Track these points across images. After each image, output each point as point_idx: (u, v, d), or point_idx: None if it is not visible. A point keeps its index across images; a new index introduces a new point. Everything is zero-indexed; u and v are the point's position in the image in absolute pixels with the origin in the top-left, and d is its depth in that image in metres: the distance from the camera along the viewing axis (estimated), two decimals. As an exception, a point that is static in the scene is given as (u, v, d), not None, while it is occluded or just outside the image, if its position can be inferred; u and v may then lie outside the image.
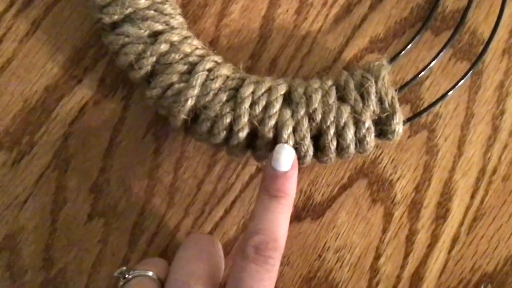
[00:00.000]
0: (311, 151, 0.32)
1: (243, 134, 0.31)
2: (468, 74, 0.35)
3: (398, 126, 0.32)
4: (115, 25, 0.33)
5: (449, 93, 0.34)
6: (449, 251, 0.34)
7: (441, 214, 0.34)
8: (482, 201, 0.34)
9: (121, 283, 0.30)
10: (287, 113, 0.31)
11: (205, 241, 0.31)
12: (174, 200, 0.35)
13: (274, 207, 0.29)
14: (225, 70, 0.32)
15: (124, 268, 0.31)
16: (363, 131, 0.32)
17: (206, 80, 0.32)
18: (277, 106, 0.32)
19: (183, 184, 0.35)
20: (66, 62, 0.36)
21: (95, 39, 0.36)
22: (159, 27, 0.33)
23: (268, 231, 0.29)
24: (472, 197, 0.35)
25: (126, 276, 0.30)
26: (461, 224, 0.34)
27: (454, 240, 0.34)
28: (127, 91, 0.36)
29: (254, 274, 0.28)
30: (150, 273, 0.30)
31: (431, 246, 0.34)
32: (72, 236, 0.34)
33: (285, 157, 0.30)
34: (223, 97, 0.32)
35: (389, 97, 0.32)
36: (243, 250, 0.28)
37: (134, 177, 0.35)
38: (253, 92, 0.32)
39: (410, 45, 0.35)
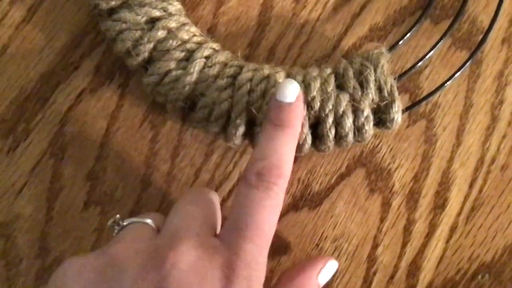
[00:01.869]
0: (309, 140, 0.32)
1: (240, 122, 0.31)
2: (468, 63, 0.35)
3: (397, 114, 0.32)
4: (112, 11, 0.33)
5: (448, 82, 0.34)
6: (447, 241, 0.34)
7: (439, 203, 0.34)
8: (480, 191, 0.34)
9: (116, 231, 0.29)
10: (286, 101, 0.31)
11: (202, 191, 0.31)
12: (171, 189, 0.35)
13: (278, 135, 0.29)
14: (223, 58, 0.32)
15: (118, 216, 0.30)
16: (362, 119, 0.31)
17: (203, 67, 0.32)
18: (275, 93, 0.31)
19: (180, 172, 0.35)
20: (62, 49, 0.36)
21: (92, 25, 0.36)
22: (156, 13, 0.32)
23: (271, 157, 0.28)
24: (471, 186, 0.34)
25: (121, 223, 0.29)
26: (459, 213, 0.34)
27: (452, 229, 0.34)
28: (124, 78, 0.35)
29: (256, 200, 0.27)
30: (148, 220, 0.29)
31: (429, 235, 0.34)
32: (68, 225, 0.34)
33: (291, 89, 0.29)
34: (221, 84, 0.32)
35: (388, 86, 0.31)
36: (246, 177, 0.28)
37: (131, 165, 0.35)
38: (251, 80, 0.32)
39: (409, 33, 0.35)
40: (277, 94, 0.29)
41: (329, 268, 0.32)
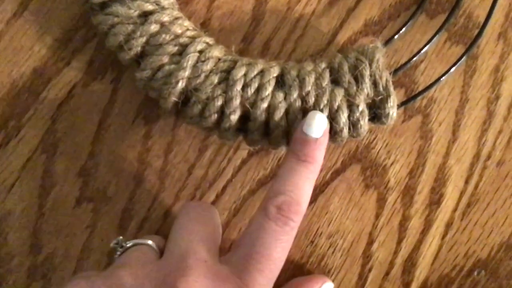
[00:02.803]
0: (304, 135, 0.31)
1: (234, 117, 0.31)
2: (463, 58, 0.34)
3: (392, 109, 0.31)
4: (104, 5, 0.32)
5: (444, 77, 0.34)
6: (443, 237, 0.34)
7: (435, 199, 0.34)
8: (476, 187, 0.34)
9: (119, 253, 0.29)
10: (280, 95, 0.31)
11: (202, 207, 0.31)
12: (165, 185, 0.34)
13: (301, 171, 0.29)
14: (217, 52, 0.32)
15: (121, 237, 0.30)
16: (357, 114, 0.31)
17: (197, 62, 0.31)
18: (269, 88, 0.31)
19: (173, 168, 0.34)
20: (54, 43, 0.35)
21: (84, 20, 0.35)
22: (149, 7, 0.32)
23: (292, 193, 0.28)
24: (466, 182, 0.34)
25: (124, 245, 0.29)
26: (455, 209, 0.34)
27: (448, 226, 0.34)
28: (116, 73, 0.35)
29: (272, 233, 0.27)
30: (150, 242, 0.29)
31: (424, 232, 0.34)
32: (60, 221, 0.34)
33: (318, 123, 0.29)
34: (215, 79, 0.31)
35: (384, 80, 0.31)
36: (265, 208, 0.28)
37: (124, 161, 0.34)
38: (245, 75, 0.31)
39: (404, 28, 0.35)
40: (304, 126, 0.29)
41: None
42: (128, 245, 0.29)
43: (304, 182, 0.29)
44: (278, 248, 0.27)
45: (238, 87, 0.31)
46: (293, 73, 0.31)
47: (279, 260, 0.28)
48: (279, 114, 0.31)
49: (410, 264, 0.34)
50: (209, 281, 0.26)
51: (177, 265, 0.26)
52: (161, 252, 0.29)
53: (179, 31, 0.32)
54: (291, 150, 0.30)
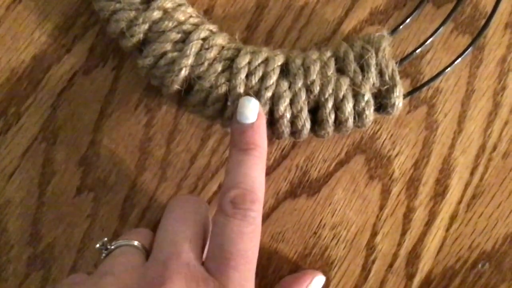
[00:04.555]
0: (308, 125, 0.31)
1: (238, 106, 0.30)
2: (470, 48, 0.34)
3: (398, 99, 0.31)
4: (106, -9, 0.32)
5: (450, 68, 0.33)
6: (447, 229, 0.33)
7: (440, 191, 0.34)
8: (481, 178, 0.34)
9: (104, 255, 0.29)
10: (284, 84, 0.30)
11: (190, 202, 0.30)
12: (167, 175, 0.34)
13: (246, 160, 0.28)
14: (221, 40, 0.31)
15: (106, 239, 0.29)
16: (362, 104, 0.31)
17: (200, 50, 0.31)
18: (274, 77, 0.30)
19: (175, 158, 0.34)
20: (54, 30, 0.35)
21: (85, 6, 0.35)
22: (152, -7, 0.31)
23: (243, 183, 0.28)
24: (472, 174, 0.34)
25: (109, 247, 0.29)
26: (460, 201, 0.34)
27: (453, 217, 0.34)
28: (118, 61, 0.34)
29: (235, 229, 0.27)
30: (135, 243, 0.29)
31: (428, 223, 0.33)
32: (60, 210, 0.33)
33: (250, 109, 0.29)
34: (218, 67, 0.31)
35: (390, 70, 0.31)
36: (221, 206, 0.28)
37: (125, 150, 0.34)
38: (249, 63, 0.31)
39: (411, 17, 0.34)
40: (237, 116, 0.29)
41: (316, 284, 0.32)
42: (112, 247, 0.29)
43: (252, 170, 0.28)
44: (246, 241, 0.27)
45: (242, 75, 0.30)
46: (298, 61, 0.31)
47: (251, 253, 0.27)
48: (283, 103, 0.30)
49: (414, 256, 0.33)
50: (188, 285, 0.26)
51: (159, 273, 0.26)
52: (148, 250, 0.29)
53: (182, 18, 0.31)
54: (231, 143, 0.30)
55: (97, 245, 0.29)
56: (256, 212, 0.28)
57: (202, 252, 0.28)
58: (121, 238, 0.29)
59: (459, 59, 0.34)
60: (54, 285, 0.27)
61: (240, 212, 0.27)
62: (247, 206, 0.27)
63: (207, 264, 0.27)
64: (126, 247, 0.28)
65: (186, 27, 0.31)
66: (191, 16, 0.32)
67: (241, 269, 0.27)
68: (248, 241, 0.27)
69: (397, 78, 0.31)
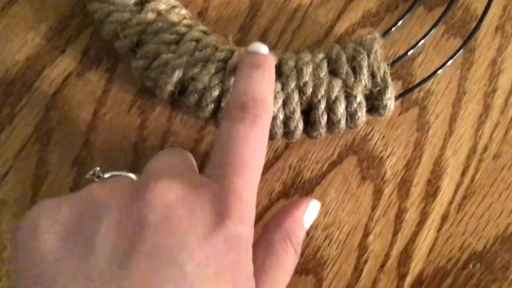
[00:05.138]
0: (301, 126, 0.31)
1: (231, 107, 0.31)
2: (461, 51, 0.34)
3: (390, 101, 0.31)
4: (100, -7, 0.32)
5: (441, 70, 0.34)
6: (439, 229, 0.34)
7: (431, 192, 0.34)
8: (472, 179, 0.34)
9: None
10: (277, 86, 0.31)
11: (176, 148, 0.30)
12: (160, 176, 0.34)
13: (257, 74, 0.27)
14: (214, 41, 0.32)
15: (98, 168, 0.27)
16: (355, 105, 0.31)
17: (194, 51, 0.31)
18: (267, 78, 0.31)
19: (169, 159, 0.34)
20: (48, 31, 0.35)
21: (80, 8, 0.35)
22: (145, -5, 0.32)
23: (254, 92, 0.27)
24: (463, 175, 0.34)
25: (100, 175, 0.27)
26: (451, 202, 0.34)
27: (444, 218, 0.34)
28: (111, 62, 0.34)
29: (242, 135, 0.25)
30: (131, 175, 0.27)
31: (420, 224, 0.34)
32: (54, 211, 0.33)
33: (261, 46, 0.29)
34: (212, 68, 0.31)
35: (381, 71, 0.31)
36: (229, 111, 0.26)
37: (119, 152, 0.34)
38: (242, 64, 0.31)
39: (402, 20, 0.35)
40: (249, 48, 0.29)
41: (312, 208, 0.31)
42: (106, 176, 0.27)
43: (262, 82, 0.27)
44: (252, 148, 0.25)
45: (236, 77, 0.31)
46: (291, 63, 0.31)
47: (256, 162, 0.26)
48: (276, 104, 0.30)
49: (405, 256, 0.34)
50: (183, 188, 0.24)
51: (151, 178, 0.24)
52: None
53: (176, 19, 0.32)
54: (241, 64, 0.28)
55: (88, 175, 0.27)
56: (265, 120, 0.26)
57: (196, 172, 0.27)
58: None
59: (450, 61, 0.34)
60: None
61: (249, 117, 0.26)
62: (258, 112, 0.26)
63: (207, 172, 0.26)
64: (121, 177, 0.27)
65: (179, 28, 0.32)
66: (184, 18, 0.32)
67: (244, 176, 0.25)
68: (253, 148, 0.26)
69: (389, 80, 0.31)
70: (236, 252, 0.24)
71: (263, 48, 0.29)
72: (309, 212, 0.30)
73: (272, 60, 0.29)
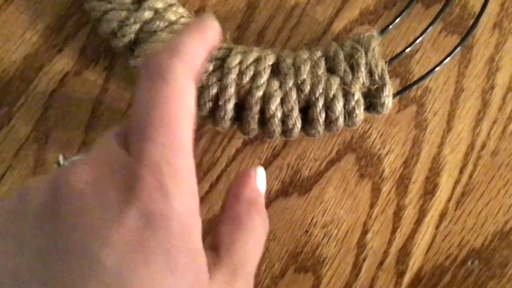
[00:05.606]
0: (299, 124, 0.31)
1: (229, 106, 0.31)
2: (458, 48, 0.34)
3: (388, 99, 0.31)
4: (97, -9, 0.32)
5: (439, 67, 0.34)
6: (437, 227, 0.34)
7: (429, 189, 0.34)
8: (470, 176, 0.34)
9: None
10: (275, 84, 0.31)
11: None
12: (158, 174, 0.34)
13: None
14: (212, 40, 0.31)
15: (61, 154, 0.26)
16: (353, 103, 0.31)
17: (191, 49, 0.31)
18: (265, 76, 0.31)
19: (167, 157, 0.34)
20: (46, 30, 0.35)
21: (77, 6, 0.35)
22: (143, -7, 0.32)
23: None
24: (461, 172, 0.34)
25: (61, 163, 0.26)
26: (449, 199, 0.34)
27: (442, 215, 0.34)
28: (109, 61, 0.34)
29: (149, 90, 0.22)
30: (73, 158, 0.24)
31: (418, 221, 0.34)
32: (52, 210, 0.33)
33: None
34: (209, 67, 0.31)
35: (379, 69, 0.31)
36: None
37: (117, 150, 0.34)
38: (240, 62, 0.31)
39: (400, 17, 0.35)
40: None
41: (261, 175, 0.28)
42: (65, 164, 0.25)
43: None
44: (162, 104, 0.22)
45: (233, 75, 0.31)
46: (289, 61, 0.31)
47: (172, 119, 0.22)
48: (274, 102, 0.30)
49: (404, 253, 0.34)
50: (95, 167, 0.21)
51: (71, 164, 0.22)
52: None
53: (173, 18, 0.32)
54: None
55: (53, 164, 0.26)
56: (179, 70, 0.23)
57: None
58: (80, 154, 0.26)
59: (448, 58, 0.34)
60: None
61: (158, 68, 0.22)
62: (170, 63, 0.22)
63: (124, 142, 0.22)
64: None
65: (177, 27, 0.31)
66: (182, 16, 0.32)
67: (158, 140, 0.21)
68: (165, 104, 0.22)
69: (387, 77, 0.31)
70: (164, 232, 0.21)
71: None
72: (259, 178, 0.28)
73: None
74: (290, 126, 0.31)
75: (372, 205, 0.34)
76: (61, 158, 0.26)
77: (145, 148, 0.21)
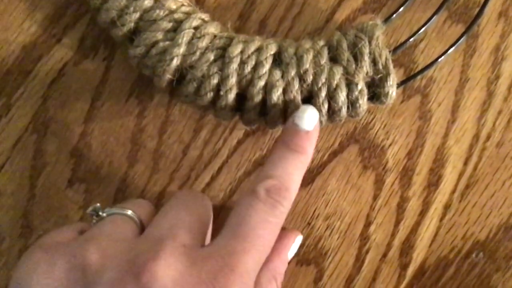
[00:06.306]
0: (301, 114, 0.31)
1: (231, 96, 0.30)
2: (463, 37, 0.34)
3: (392, 88, 0.31)
4: (96, -20, 0.32)
5: (443, 57, 0.33)
6: (441, 219, 0.33)
7: (433, 181, 0.34)
8: (475, 168, 0.34)
9: (94, 221, 0.27)
10: (277, 73, 0.30)
11: (192, 195, 0.30)
12: (159, 166, 0.33)
13: (291, 158, 0.28)
14: (213, 29, 0.31)
15: (99, 204, 0.27)
16: (356, 93, 0.30)
17: (192, 39, 0.30)
18: (266, 66, 0.30)
19: (168, 149, 0.34)
20: (45, 20, 0.34)
21: (76, -5, 0.34)
22: (142, -19, 0.31)
23: (282, 178, 0.27)
24: (465, 163, 0.34)
25: (100, 213, 0.27)
26: (454, 191, 0.34)
27: (446, 207, 0.33)
28: (109, 51, 0.34)
29: (260, 213, 0.26)
30: (129, 212, 0.27)
31: (422, 213, 0.33)
32: (51, 202, 0.33)
33: (310, 117, 0.29)
34: (211, 56, 0.30)
35: (383, 58, 0.31)
36: (254, 190, 0.27)
37: (117, 142, 0.33)
38: (241, 52, 0.30)
39: (404, 6, 0.34)
40: (295, 118, 0.29)
41: (296, 243, 0.32)
42: (104, 215, 0.27)
43: (293, 169, 0.28)
44: (266, 229, 0.26)
45: (235, 64, 0.30)
46: (291, 50, 0.31)
47: (267, 242, 0.26)
48: (276, 92, 0.30)
49: (407, 246, 0.33)
50: (183, 266, 0.24)
51: (151, 247, 0.24)
52: (144, 223, 0.27)
53: (173, 6, 0.31)
54: (281, 139, 0.29)
55: (88, 210, 0.27)
56: (285, 209, 0.27)
57: (203, 243, 0.27)
58: (116, 206, 0.28)
59: (453, 48, 0.33)
60: (38, 238, 0.26)
61: (272, 202, 0.26)
62: (278, 199, 0.27)
63: (216, 240, 0.26)
64: (119, 215, 0.27)
65: (177, 16, 0.31)
66: (182, 5, 0.32)
67: (253, 255, 0.25)
68: (268, 231, 0.26)
69: (391, 67, 0.31)
70: None
71: (308, 121, 0.29)
72: (293, 247, 0.32)
73: (316, 133, 0.29)
74: (293, 117, 0.31)
75: (375, 197, 0.33)
76: (99, 208, 0.27)
77: (242, 259, 0.25)
